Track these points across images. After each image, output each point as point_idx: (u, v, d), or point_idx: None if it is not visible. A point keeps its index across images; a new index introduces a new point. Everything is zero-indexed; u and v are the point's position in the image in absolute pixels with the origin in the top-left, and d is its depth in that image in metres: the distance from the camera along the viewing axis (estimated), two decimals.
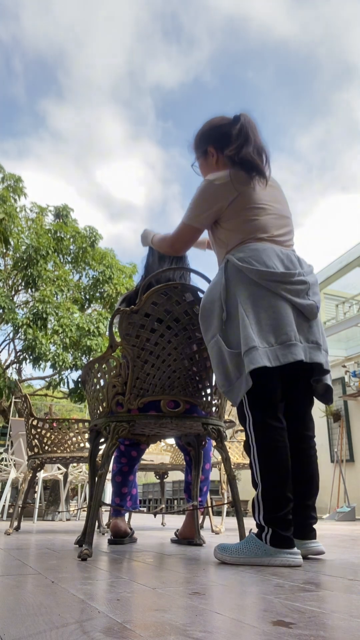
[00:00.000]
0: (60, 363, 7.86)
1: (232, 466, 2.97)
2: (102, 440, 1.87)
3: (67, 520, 5.03)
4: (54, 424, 2.93)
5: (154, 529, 3.57)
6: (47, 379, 9.18)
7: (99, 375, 1.84)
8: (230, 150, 1.66)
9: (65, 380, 8.53)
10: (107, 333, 6.16)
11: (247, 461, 3.09)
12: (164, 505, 4.07)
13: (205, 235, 1.82)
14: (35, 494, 4.70)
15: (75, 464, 4.78)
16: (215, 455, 3.08)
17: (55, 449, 2.89)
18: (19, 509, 2.96)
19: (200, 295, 1.74)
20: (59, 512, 5.10)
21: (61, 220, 9.51)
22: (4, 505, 5.20)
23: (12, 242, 8.56)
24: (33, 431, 2.90)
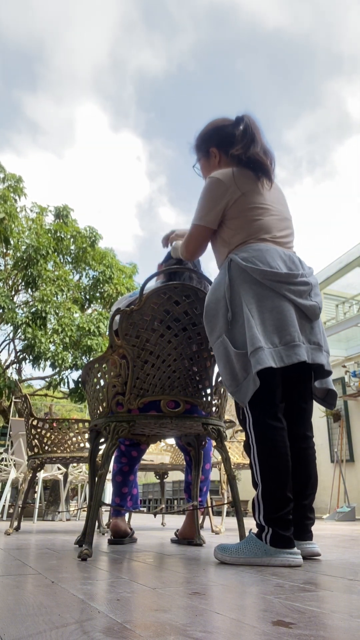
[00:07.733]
0: (60, 362, 7.86)
1: (232, 466, 2.97)
2: (102, 440, 1.87)
3: (67, 520, 5.03)
4: (54, 424, 2.92)
5: (154, 529, 3.56)
6: (47, 379, 9.18)
7: (99, 375, 1.84)
8: (236, 150, 1.64)
9: (65, 380, 8.54)
10: (107, 333, 6.17)
11: (247, 461, 3.09)
12: (164, 505, 4.07)
13: None
14: (35, 494, 4.70)
15: (75, 464, 4.78)
16: (215, 455, 3.08)
17: (55, 449, 2.89)
18: (19, 509, 2.96)
19: (201, 295, 1.73)
20: (59, 512, 5.10)
21: (61, 221, 9.51)
22: (4, 505, 5.20)
23: (12, 242, 8.57)
24: (33, 431, 2.90)
